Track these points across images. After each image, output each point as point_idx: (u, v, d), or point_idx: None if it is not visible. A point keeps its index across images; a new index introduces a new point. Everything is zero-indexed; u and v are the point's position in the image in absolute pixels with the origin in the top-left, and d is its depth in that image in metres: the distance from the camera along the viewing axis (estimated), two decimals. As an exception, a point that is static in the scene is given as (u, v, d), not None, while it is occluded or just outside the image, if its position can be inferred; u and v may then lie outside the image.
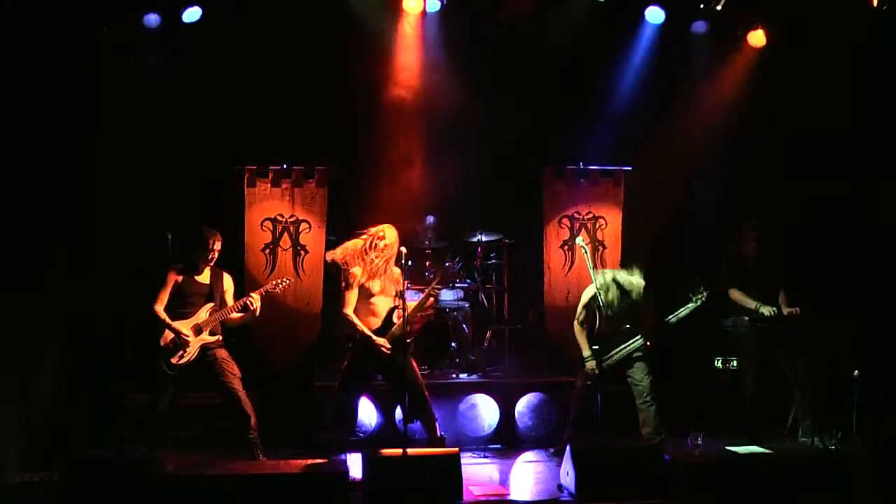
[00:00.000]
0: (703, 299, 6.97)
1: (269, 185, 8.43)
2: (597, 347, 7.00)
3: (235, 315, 6.77)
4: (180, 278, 6.69)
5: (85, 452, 6.44)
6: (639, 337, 6.99)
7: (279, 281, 6.99)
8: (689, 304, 7.00)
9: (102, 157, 7.77)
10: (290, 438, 7.42)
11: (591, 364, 7.03)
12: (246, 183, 8.39)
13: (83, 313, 7.62)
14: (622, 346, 7.03)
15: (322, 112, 8.48)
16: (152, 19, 7.83)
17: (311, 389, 7.78)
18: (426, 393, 6.72)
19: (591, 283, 7.03)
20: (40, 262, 7.04)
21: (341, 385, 6.64)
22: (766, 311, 7.21)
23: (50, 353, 7.26)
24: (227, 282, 6.88)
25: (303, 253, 8.42)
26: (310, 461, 6.07)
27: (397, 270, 6.76)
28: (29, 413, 7.02)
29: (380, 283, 6.69)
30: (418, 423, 6.87)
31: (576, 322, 7.25)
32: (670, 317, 7.04)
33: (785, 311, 7.24)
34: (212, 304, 6.71)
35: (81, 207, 7.58)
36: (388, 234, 6.73)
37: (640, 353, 7.03)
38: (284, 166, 8.42)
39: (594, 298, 7.05)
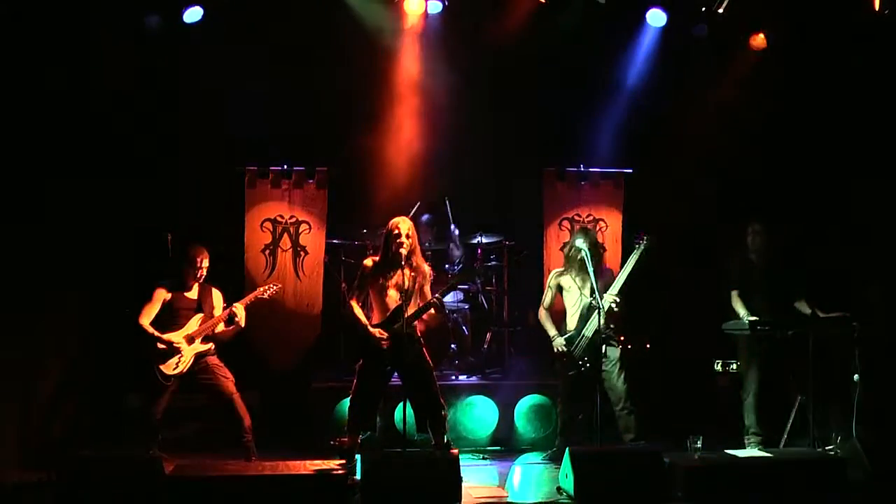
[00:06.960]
0: (646, 244, 7.00)
1: (270, 185, 8.43)
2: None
3: (222, 330, 6.74)
4: (169, 295, 6.70)
5: (83, 453, 6.42)
6: (604, 303, 6.80)
7: (267, 287, 6.97)
8: (633, 254, 7.02)
9: (101, 158, 7.76)
10: (289, 440, 7.41)
11: (558, 341, 7.03)
12: (246, 183, 8.40)
13: (83, 314, 7.61)
14: (594, 320, 6.90)
15: (323, 113, 8.46)
16: (153, 20, 7.82)
17: (310, 391, 7.77)
18: (440, 398, 6.45)
19: (566, 273, 7.16)
20: (40, 264, 7.02)
21: (356, 386, 6.42)
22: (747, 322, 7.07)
23: (49, 354, 7.26)
24: (217, 298, 6.84)
25: (303, 254, 8.41)
26: (324, 463, 5.96)
27: (425, 268, 6.54)
28: (27, 413, 7.02)
29: (394, 276, 6.40)
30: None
31: (541, 308, 7.23)
32: (621, 272, 7.05)
33: (822, 315, 7.08)
34: (201, 315, 6.72)
35: (81, 208, 7.57)
36: (402, 226, 6.44)
37: (615, 345, 6.99)
38: (285, 167, 8.42)
39: (560, 284, 7.16)
